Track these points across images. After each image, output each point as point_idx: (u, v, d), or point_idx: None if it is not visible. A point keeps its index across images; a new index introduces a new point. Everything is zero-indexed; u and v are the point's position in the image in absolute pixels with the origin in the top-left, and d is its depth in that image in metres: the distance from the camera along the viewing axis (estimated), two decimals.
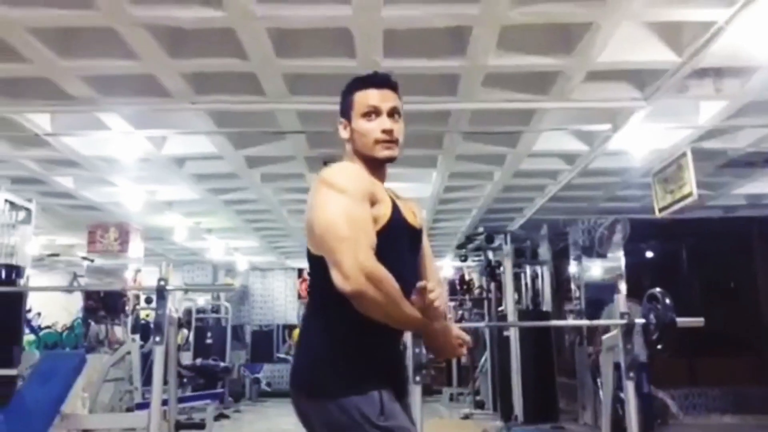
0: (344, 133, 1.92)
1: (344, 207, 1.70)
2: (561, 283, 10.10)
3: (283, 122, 5.33)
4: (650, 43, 4.09)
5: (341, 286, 1.63)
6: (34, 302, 11.05)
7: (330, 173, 1.81)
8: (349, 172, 1.81)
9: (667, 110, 5.12)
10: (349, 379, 1.69)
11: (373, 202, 1.77)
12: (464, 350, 1.82)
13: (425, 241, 1.99)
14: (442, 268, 14.03)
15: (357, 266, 1.62)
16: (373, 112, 1.86)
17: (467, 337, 1.82)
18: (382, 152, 1.86)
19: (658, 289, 3.42)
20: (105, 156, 6.21)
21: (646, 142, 5.79)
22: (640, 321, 3.45)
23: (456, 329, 1.82)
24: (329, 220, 1.70)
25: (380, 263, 1.67)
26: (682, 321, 3.36)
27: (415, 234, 1.90)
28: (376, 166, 1.89)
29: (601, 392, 5.79)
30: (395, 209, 1.82)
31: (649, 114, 5.03)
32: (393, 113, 1.88)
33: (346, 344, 1.73)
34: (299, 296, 14.45)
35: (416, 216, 1.94)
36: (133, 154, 6.08)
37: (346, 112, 1.91)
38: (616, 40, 3.98)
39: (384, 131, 1.84)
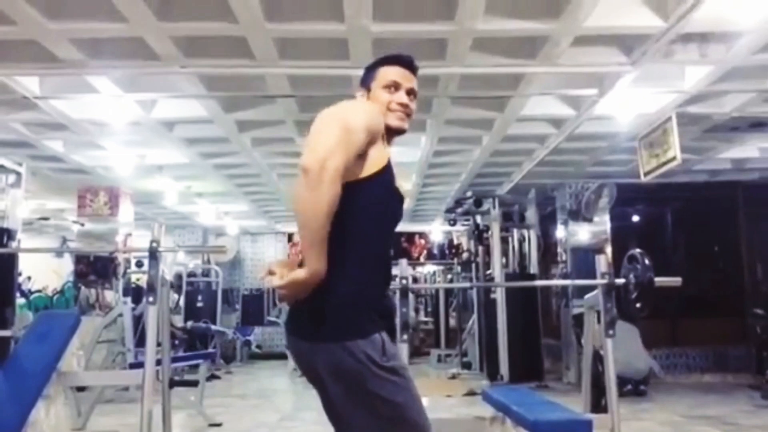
0: (361, 100, 2.06)
1: (345, 124, 1.79)
2: (548, 246, 10.25)
3: (273, 86, 5.35)
4: (636, 8, 4.14)
5: (304, 159, 1.73)
6: (24, 266, 11.09)
7: (348, 102, 1.96)
8: (364, 106, 1.98)
9: (653, 75, 5.19)
10: (352, 324, 1.79)
11: (373, 140, 1.88)
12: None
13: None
14: (431, 232, 14.18)
15: (322, 159, 1.71)
16: (393, 86, 2.03)
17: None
18: (395, 121, 2.02)
19: (637, 250, 3.53)
20: (94, 119, 6.21)
21: (632, 106, 5.86)
22: (620, 281, 3.57)
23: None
24: (328, 121, 1.81)
25: (375, 200, 1.87)
26: (660, 280, 3.47)
27: (400, 197, 2.02)
28: (386, 136, 2.01)
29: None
30: (389, 164, 1.95)
31: (636, 79, 5.08)
32: (410, 93, 2.05)
33: (346, 292, 1.82)
34: None
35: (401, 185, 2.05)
36: (123, 118, 6.08)
37: (366, 82, 2.07)
38: (603, 5, 4.02)
39: (400, 104, 2.02)
